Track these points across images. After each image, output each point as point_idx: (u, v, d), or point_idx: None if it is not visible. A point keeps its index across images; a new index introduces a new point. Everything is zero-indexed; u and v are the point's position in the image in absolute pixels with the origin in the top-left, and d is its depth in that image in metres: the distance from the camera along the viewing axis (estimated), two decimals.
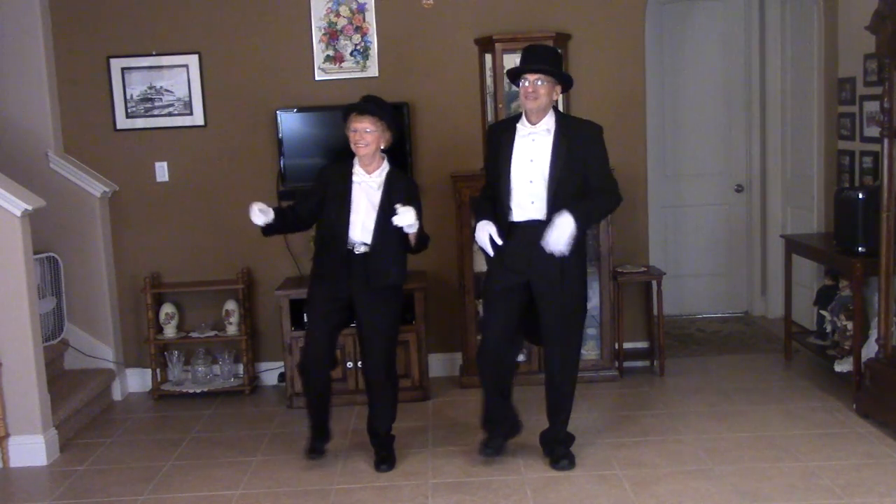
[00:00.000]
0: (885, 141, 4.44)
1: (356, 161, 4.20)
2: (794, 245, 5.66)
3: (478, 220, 4.15)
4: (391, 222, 4.02)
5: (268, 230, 4.24)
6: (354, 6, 5.55)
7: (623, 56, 5.61)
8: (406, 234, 4.14)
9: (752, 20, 6.79)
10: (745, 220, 6.97)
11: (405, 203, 4.06)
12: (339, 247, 4.13)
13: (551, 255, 3.98)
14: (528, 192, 4.04)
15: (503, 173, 4.06)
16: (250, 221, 5.56)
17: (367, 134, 4.09)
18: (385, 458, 4.31)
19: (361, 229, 4.13)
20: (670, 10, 6.81)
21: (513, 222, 4.07)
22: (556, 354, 4.17)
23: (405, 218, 4.00)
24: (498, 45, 5.29)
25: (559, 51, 4.31)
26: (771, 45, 6.66)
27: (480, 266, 5.06)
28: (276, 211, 4.20)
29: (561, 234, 3.90)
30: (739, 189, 6.94)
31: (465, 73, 5.58)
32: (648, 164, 5.88)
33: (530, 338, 4.40)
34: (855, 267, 4.80)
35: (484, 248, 4.09)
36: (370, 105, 4.14)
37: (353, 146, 4.14)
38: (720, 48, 6.85)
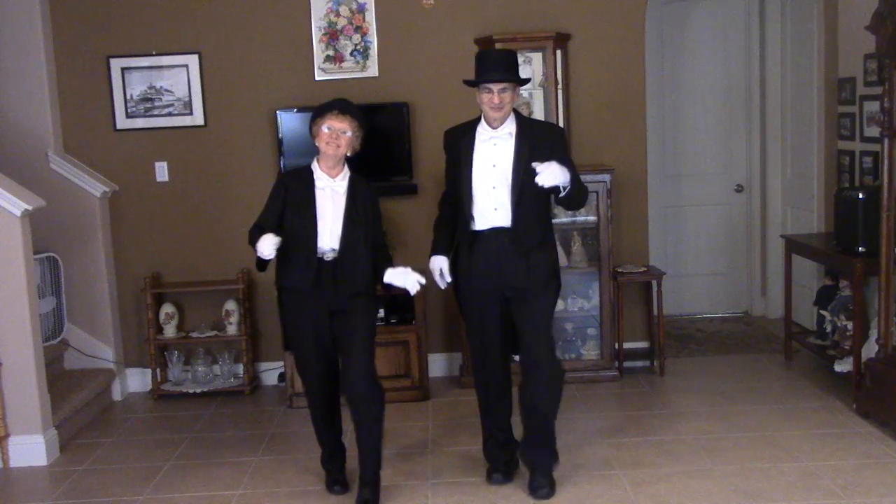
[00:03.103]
0: (885, 141, 4.44)
1: (316, 165, 3.98)
2: (794, 245, 5.66)
3: (432, 251, 4.02)
4: (357, 230, 3.87)
5: (265, 263, 3.91)
6: (354, 6, 5.55)
7: (623, 56, 5.61)
8: (375, 249, 3.97)
9: (752, 20, 6.79)
10: (745, 220, 6.97)
11: (371, 208, 3.97)
12: (310, 256, 3.88)
13: (518, 261, 3.84)
14: (491, 199, 3.87)
15: (464, 180, 3.90)
16: (250, 222, 5.60)
17: (343, 135, 3.89)
18: (367, 500, 3.89)
19: (330, 236, 3.90)
20: (670, 10, 6.81)
21: (475, 231, 3.91)
22: (539, 361, 3.88)
23: (413, 279, 3.87)
24: (498, 45, 5.28)
25: (513, 51, 4.14)
26: (771, 45, 6.66)
27: None
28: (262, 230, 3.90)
29: (554, 169, 3.65)
30: (739, 189, 6.94)
31: (465, 73, 5.54)
32: (648, 164, 5.88)
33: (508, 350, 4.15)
34: (855, 267, 4.80)
35: (437, 281, 4.00)
36: (352, 106, 3.97)
37: (321, 144, 3.90)
38: (720, 48, 6.85)
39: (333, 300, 3.90)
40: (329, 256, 3.90)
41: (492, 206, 3.89)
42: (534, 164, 3.72)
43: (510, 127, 3.93)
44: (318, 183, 3.95)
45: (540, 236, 3.92)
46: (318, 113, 3.94)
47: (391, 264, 3.98)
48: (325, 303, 3.91)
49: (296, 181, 3.99)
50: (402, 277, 3.90)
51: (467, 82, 4.02)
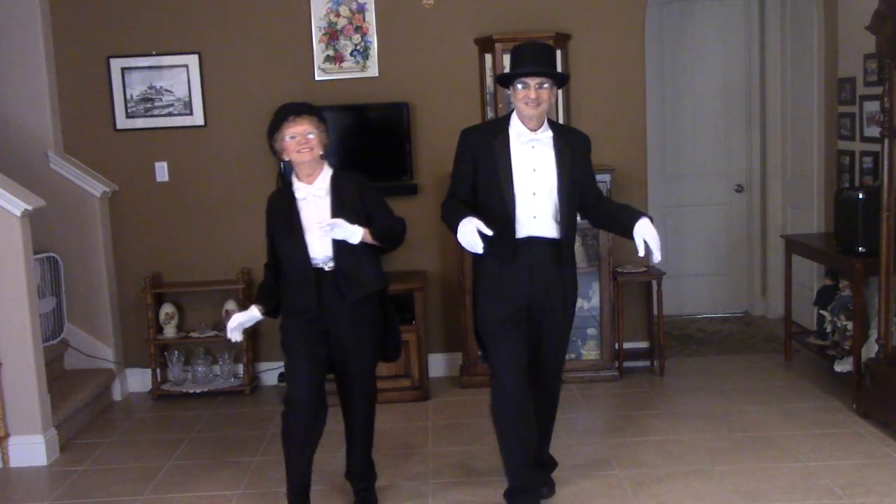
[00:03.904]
0: (885, 141, 4.44)
1: (294, 178, 3.75)
2: (794, 245, 5.66)
3: (457, 221, 3.47)
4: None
5: (270, 313, 3.80)
6: (354, 6, 5.55)
7: (623, 56, 5.61)
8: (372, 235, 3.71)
9: (752, 20, 6.79)
10: (745, 220, 6.98)
11: (357, 204, 3.69)
12: (305, 272, 3.67)
13: (554, 275, 3.62)
14: (530, 206, 3.57)
15: (506, 185, 3.56)
16: (250, 222, 5.62)
17: (309, 137, 3.63)
18: (366, 499, 3.93)
19: (321, 246, 3.66)
20: (670, 10, 6.81)
21: (517, 240, 3.60)
22: (548, 376, 3.80)
23: (338, 232, 3.60)
24: (498, 45, 5.29)
25: (551, 46, 3.89)
26: (771, 45, 6.66)
27: None
28: (262, 296, 3.80)
29: (656, 239, 3.46)
30: (739, 189, 6.94)
31: (465, 73, 5.58)
32: (648, 164, 5.88)
33: None
34: (855, 267, 4.80)
35: (472, 248, 3.43)
36: (306, 105, 3.74)
37: (292, 155, 3.66)
38: (720, 48, 6.85)
39: (338, 310, 3.70)
40: (328, 266, 3.68)
41: (531, 214, 3.58)
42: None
43: (548, 130, 3.64)
44: (297, 195, 3.73)
45: (573, 246, 3.75)
46: (272, 129, 3.69)
47: (382, 229, 3.70)
48: (329, 317, 3.71)
49: (278, 202, 3.80)
50: (339, 231, 3.61)
51: (500, 77, 3.75)
